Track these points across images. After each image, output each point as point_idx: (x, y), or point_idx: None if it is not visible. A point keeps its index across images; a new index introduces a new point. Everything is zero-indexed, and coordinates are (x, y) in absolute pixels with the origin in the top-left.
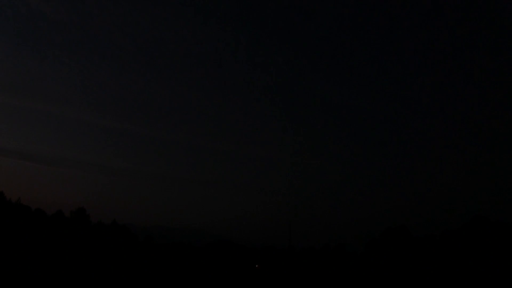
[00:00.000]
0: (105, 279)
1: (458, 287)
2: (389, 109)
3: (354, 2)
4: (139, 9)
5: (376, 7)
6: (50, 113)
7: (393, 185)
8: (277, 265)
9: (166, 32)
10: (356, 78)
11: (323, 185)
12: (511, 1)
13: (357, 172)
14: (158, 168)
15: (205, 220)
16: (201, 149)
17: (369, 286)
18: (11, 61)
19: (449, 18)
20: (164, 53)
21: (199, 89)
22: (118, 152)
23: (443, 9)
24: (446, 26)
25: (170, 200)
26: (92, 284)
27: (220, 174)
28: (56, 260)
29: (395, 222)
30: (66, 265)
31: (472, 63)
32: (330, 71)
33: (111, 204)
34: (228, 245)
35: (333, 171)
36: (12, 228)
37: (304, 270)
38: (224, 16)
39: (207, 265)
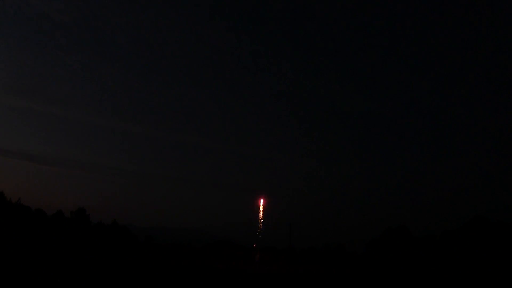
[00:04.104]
0: (105, 280)
1: (458, 287)
2: (389, 109)
3: (363, 4)
4: (142, 10)
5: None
6: (51, 113)
7: (393, 185)
8: (277, 265)
9: (169, 33)
10: (355, 78)
11: (323, 185)
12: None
13: (357, 172)
14: (159, 169)
15: (205, 220)
16: (202, 150)
17: (369, 286)
18: (12, 61)
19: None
20: (167, 54)
21: (201, 89)
22: (118, 152)
23: (449, 11)
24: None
25: (170, 200)
26: (92, 284)
27: (221, 174)
28: (56, 260)
29: (395, 222)
30: (66, 266)
31: (471, 63)
32: (330, 71)
33: (111, 204)
34: (228, 245)
35: (332, 171)
36: (13, 229)
37: (304, 270)
38: (227, 16)
39: (207, 265)
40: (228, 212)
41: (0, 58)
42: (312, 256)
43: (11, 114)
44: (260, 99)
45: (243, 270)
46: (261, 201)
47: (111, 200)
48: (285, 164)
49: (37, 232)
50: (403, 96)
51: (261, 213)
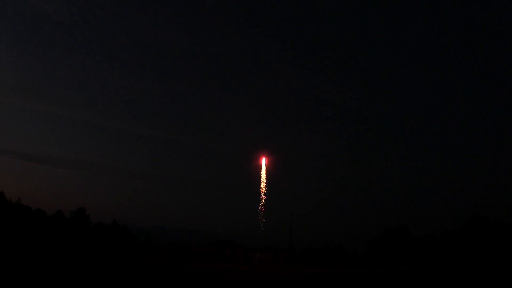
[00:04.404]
0: (105, 279)
1: (458, 287)
2: (388, 109)
3: (360, 5)
4: (142, 10)
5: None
6: (51, 113)
7: (393, 185)
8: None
9: (169, 33)
10: (355, 79)
11: (322, 185)
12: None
13: (357, 172)
14: (158, 169)
15: (205, 220)
16: (202, 150)
17: (370, 286)
18: (12, 61)
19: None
20: (166, 54)
21: (201, 89)
22: (118, 152)
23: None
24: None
25: (170, 200)
26: (92, 284)
27: (221, 174)
28: (56, 260)
29: (395, 222)
30: (66, 265)
31: (472, 62)
32: (329, 71)
33: (111, 204)
34: (228, 245)
35: (332, 171)
36: (13, 228)
37: (304, 270)
38: (227, 17)
39: (206, 265)
40: (228, 212)
41: (0, 58)
42: (312, 256)
43: (11, 114)
44: (260, 100)
45: (242, 270)
46: (263, 159)
47: (111, 200)
48: (285, 164)
49: (37, 232)
50: (403, 96)
51: (263, 175)
